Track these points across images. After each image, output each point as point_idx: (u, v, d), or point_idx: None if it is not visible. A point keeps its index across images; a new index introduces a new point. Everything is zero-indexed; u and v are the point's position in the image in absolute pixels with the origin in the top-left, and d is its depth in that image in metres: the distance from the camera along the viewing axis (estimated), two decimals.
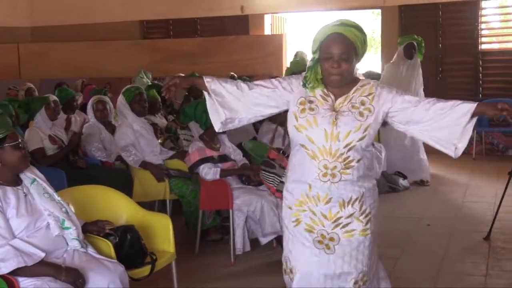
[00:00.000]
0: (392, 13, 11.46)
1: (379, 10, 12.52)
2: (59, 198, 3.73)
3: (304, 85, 3.24)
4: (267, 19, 12.96)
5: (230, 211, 5.55)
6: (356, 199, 3.22)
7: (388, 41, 11.35)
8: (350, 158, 3.16)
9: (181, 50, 12.62)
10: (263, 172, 5.08)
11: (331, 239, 3.24)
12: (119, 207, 4.52)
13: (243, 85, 3.32)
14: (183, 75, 3.43)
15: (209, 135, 5.83)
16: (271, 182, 5.51)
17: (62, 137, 6.38)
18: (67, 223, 3.63)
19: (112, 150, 6.70)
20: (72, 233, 3.65)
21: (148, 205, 5.83)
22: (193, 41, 12.89)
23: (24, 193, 3.63)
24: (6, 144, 3.60)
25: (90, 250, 3.74)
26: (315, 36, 3.19)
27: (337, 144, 3.15)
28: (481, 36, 11.22)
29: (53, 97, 6.67)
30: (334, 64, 3.12)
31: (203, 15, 12.71)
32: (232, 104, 3.31)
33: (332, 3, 11.80)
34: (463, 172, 9.31)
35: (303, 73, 3.28)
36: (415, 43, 8.56)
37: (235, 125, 3.38)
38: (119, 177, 6.12)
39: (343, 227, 3.23)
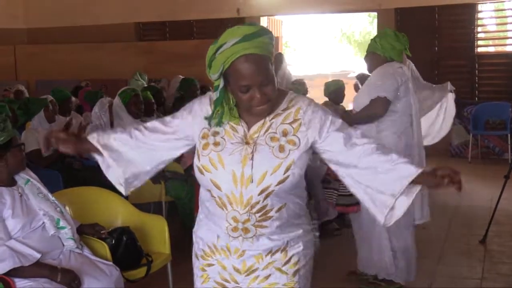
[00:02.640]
0: (388, 16, 11.44)
1: (375, 13, 12.53)
2: (53, 198, 3.73)
3: (211, 119, 2.38)
4: (263, 21, 12.96)
5: None
6: (277, 250, 2.44)
7: None
8: (268, 208, 2.34)
9: (177, 52, 12.59)
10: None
11: None
12: (115, 209, 4.53)
13: (136, 133, 2.50)
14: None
15: None
16: (329, 198, 5.52)
17: None
18: (62, 223, 3.63)
19: None
20: (67, 233, 3.65)
21: (144, 207, 5.81)
22: (189, 43, 12.84)
23: (19, 193, 3.63)
24: (12, 147, 3.61)
25: (86, 252, 3.74)
26: (210, 57, 2.32)
27: (249, 190, 2.32)
28: (478, 39, 11.25)
29: (50, 98, 6.68)
30: (257, 95, 2.26)
31: (199, 17, 12.71)
32: (132, 156, 2.51)
33: (328, 6, 11.83)
34: None
35: (209, 94, 2.47)
36: None
37: (142, 180, 2.58)
38: None
39: (262, 281, 2.45)
